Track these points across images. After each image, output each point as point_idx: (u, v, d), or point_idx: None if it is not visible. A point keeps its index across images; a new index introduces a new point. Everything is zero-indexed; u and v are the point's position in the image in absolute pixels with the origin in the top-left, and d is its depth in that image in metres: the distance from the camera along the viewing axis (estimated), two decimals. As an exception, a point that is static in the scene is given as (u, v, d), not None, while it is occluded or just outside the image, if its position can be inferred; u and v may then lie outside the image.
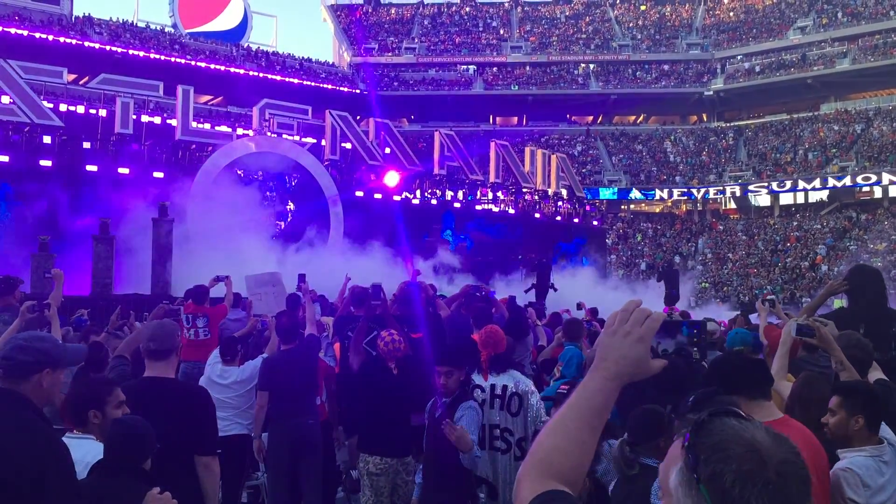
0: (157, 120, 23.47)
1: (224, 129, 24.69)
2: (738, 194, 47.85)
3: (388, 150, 25.78)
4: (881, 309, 5.14)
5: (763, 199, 48.30)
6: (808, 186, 45.05)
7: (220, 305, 9.30)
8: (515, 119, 56.06)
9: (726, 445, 1.22)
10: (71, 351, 3.12)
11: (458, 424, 4.39)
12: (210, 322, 8.78)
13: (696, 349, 7.16)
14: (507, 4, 61.19)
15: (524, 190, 29.00)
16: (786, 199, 47.58)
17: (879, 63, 46.36)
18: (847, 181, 43.16)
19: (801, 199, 47.29)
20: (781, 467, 1.20)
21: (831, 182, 43.82)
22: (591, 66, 55.00)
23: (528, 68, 54.79)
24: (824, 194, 45.78)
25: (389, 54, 55.27)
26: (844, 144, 44.98)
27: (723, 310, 25.60)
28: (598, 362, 1.60)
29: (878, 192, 44.27)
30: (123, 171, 19.16)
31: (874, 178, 42.50)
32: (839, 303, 9.44)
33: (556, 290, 19.01)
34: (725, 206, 50.13)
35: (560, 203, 30.39)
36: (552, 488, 1.47)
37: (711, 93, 52.23)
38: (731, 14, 57.60)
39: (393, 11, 60.82)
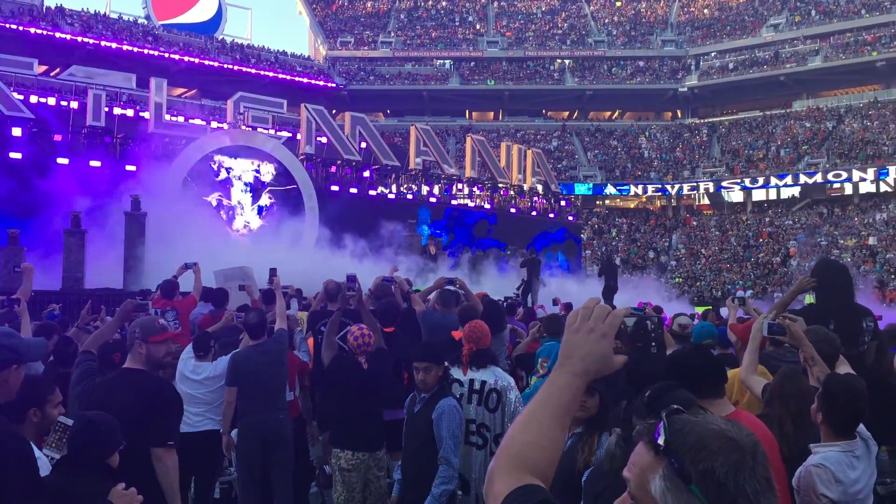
0: (130, 112, 23.21)
1: (198, 122, 24.46)
2: (711, 190, 48.27)
3: (363, 145, 25.70)
4: (849, 304, 5.19)
5: (736, 195, 48.77)
6: (781, 183, 45.54)
7: (189, 297, 9.22)
8: (491, 114, 56.12)
9: (706, 442, 1.27)
10: (33, 346, 3.09)
11: (440, 423, 4.42)
12: (179, 315, 8.70)
13: (653, 344, 7.17)
14: (483, -1, 61.23)
15: (500, 185, 29.04)
16: (758, 195, 48.06)
17: (850, 61, 46.97)
18: (818, 178, 43.69)
19: (773, 195, 47.79)
20: (754, 449, 1.28)
21: (803, 178, 44.34)
22: (567, 61, 55.18)
23: (504, 63, 54.85)
24: (796, 190, 46.33)
25: (365, 48, 55.06)
26: (816, 141, 45.52)
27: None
28: (562, 360, 1.64)
29: (848, 189, 44.86)
30: (95, 164, 18.93)
31: (844, 174, 43.05)
32: (809, 298, 9.55)
33: (544, 285, 19.11)
34: (699, 201, 50.55)
35: (535, 198, 30.47)
36: (528, 483, 1.49)
37: (686, 89, 52.62)
38: (706, 11, 58.02)
39: (369, 5, 60.54)
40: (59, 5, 41.48)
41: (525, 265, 19.86)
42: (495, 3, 60.67)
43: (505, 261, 23.99)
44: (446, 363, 4.80)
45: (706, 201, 50.27)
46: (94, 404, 3.81)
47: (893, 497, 5.46)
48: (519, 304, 12.09)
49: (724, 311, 8.94)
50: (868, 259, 37.03)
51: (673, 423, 1.31)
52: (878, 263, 36.18)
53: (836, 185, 45.18)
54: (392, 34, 56.40)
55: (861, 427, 3.44)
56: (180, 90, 42.81)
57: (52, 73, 32.11)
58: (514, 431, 1.59)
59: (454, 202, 27.24)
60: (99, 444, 3.02)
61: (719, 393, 3.12)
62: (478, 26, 58.31)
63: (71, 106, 22.07)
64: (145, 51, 41.62)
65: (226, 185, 21.25)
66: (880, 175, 42.45)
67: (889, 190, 43.89)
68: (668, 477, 1.29)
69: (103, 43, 39.97)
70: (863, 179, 43.37)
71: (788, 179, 44.83)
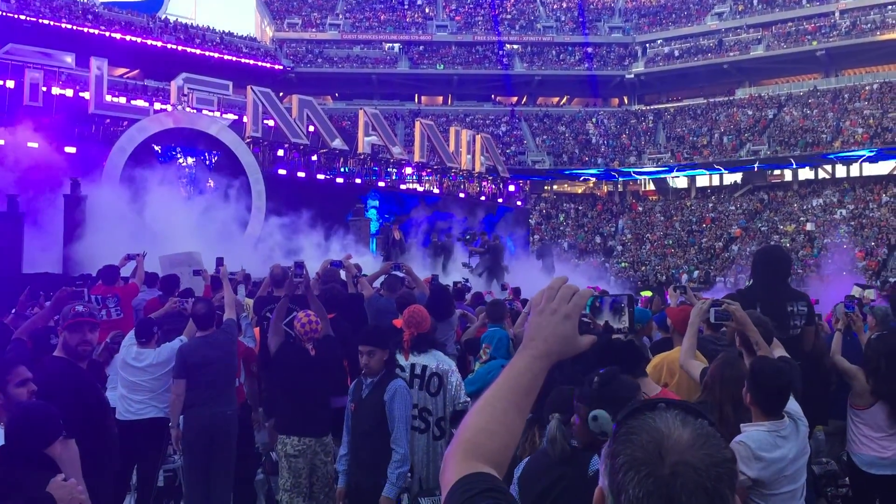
0: (69, 93, 22.52)
1: (141, 103, 23.89)
2: (656, 176, 49.04)
3: (311, 129, 25.44)
4: (780, 289, 5.32)
5: (681, 182, 49.62)
6: (723, 169, 46.48)
7: (131, 284, 9.05)
8: (441, 98, 56.01)
9: (636, 432, 1.21)
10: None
11: (392, 403, 4.42)
12: (121, 301, 8.53)
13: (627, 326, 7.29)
14: (432, -18, 60.86)
15: (449, 170, 29.03)
16: (702, 181, 49.00)
17: (791, 50, 48.04)
18: (759, 164, 44.67)
19: (716, 181, 48.77)
20: (678, 467, 1.15)
21: (745, 165, 45.31)
22: (516, 46, 55.30)
23: (453, 48, 54.73)
24: (738, 177, 47.34)
25: (313, 30, 54.36)
26: (758, 129, 46.52)
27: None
28: (526, 341, 1.60)
29: (788, 176, 45.99)
30: (33, 145, 18.34)
31: (785, 161, 44.13)
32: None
33: (508, 272, 18.81)
34: (645, 187, 51.30)
35: (484, 183, 30.56)
36: (478, 470, 1.45)
37: (632, 76, 53.22)
38: (652, -1, 58.66)
39: (317, -14, 59.73)
40: (-7, -19, 40.07)
41: (489, 250, 19.53)
42: (444, -13, 60.42)
43: (464, 246, 23.86)
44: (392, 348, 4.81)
45: (652, 187, 51.04)
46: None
47: (829, 476, 5.65)
48: (468, 289, 12.11)
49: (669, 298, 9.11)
50: (806, 244, 38.08)
51: (637, 413, 1.25)
52: (816, 249, 37.23)
53: (777, 172, 46.26)
54: (340, 16, 55.79)
55: (794, 407, 3.55)
56: (122, 70, 41.79)
57: (-14, 51, 31.02)
58: (469, 417, 1.56)
59: (403, 186, 27.16)
60: (35, 434, 2.96)
61: (643, 372, 3.31)
62: (427, 10, 58.01)
63: (7, 85, 21.32)
64: (85, 29, 40.45)
65: (170, 168, 20.82)
66: (819, 161, 43.63)
67: (827, 177, 45.14)
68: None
69: (41, 20, 38.74)
70: (801, 166, 44.50)
71: (731, 165, 45.75)
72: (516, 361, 1.59)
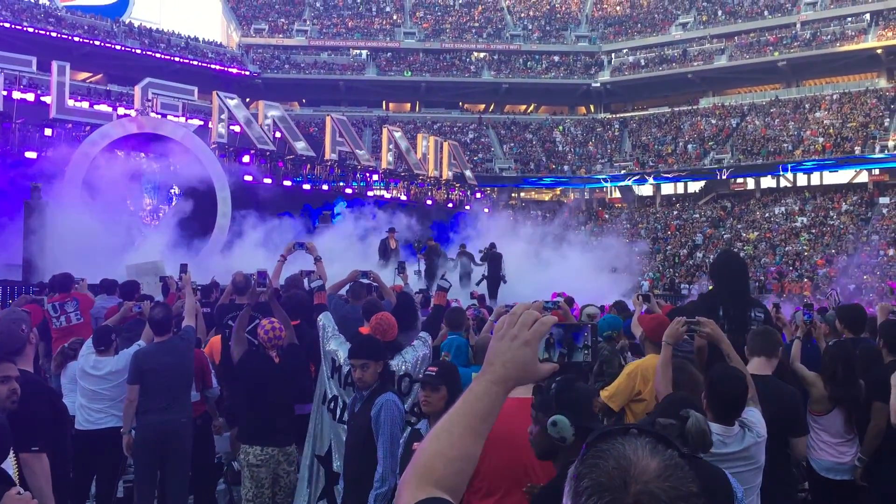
0: (31, 97, 22.14)
1: (104, 108, 23.54)
2: (622, 184, 49.49)
3: (278, 135, 25.31)
4: (740, 292, 5.41)
5: (646, 189, 50.13)
6: (688, 177, 47.05)
7: (84, 295, 8.92)
8: (408, 105, 56.03)
9: (603, 457, 1.20)
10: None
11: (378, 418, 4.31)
12: (81, 305, 8.39)
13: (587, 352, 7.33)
14: (400, -10, 60.93)
15: (417, 177, 29.04)
16: (667, 189, 49.54)
17: (754, 60, 48.82)
18: (723, 173, 45.28)
19: (680, 189, 49.34)
20: (641, 497, 1.14)
21: (708, 173, 45.91)
22: (484, 54, 55.54)
23: (421, 55, 54.80)
24: (702, 185, 47.95)
25: (280, 36, 54.11)
26: (721, 137, 47.18)
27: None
28: (484, 366, 1.59)
29: (750, 184, 46.68)
30: (-8, 150, 18.08)
31: (747, 170, 44.80)
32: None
33: (505, 281, 18.42)
34: (611, 195, 51.73)
35: (452, 190, 30.62)
36: (432, 496, 1.44)
37: (599, 84, 53.68)
38: (618, 8, 59.26)
39: (284, -8, 59.49)
40: (-48, -18, 39.36)
41: (486, 259, 19.05)
42: (412, -6, 60.54)
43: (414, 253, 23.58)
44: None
45: (617, 195, 51.49)
46: None
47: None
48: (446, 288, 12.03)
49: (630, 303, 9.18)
50: (769, 251, 38.66)
51: (608, 437, 1.24)
52: (778, 256, 37.81)
53: (740, 180, 46.96)
54: (308, 22, 55.60)
55: (752, 416, 3.63)
56: (85, 74, 41.23)
57: (-56, 54, 30.41)
58: (425, 441, 1.55)
59: (370, 193, 27.09)
60: None
61: None
62: (395, 17, 58.04)
63: (-35, 89, 20.95)
64: (47, 33, 39.86)
65: (133, 174, 20.55)
66: (781, 171, 44.36)
67: (788, 185, 45.90)
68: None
69: (2, 24, 38.11)
70: (763, 175, 45.21)
71: (695, 174, 46.33)
72: (474, 386, 1.58)
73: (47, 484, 3.83)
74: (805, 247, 38.18)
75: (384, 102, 54.61)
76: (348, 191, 26.15)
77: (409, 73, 53.39)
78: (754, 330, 4.76)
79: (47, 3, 44.20)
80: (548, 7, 60.13)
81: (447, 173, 30.47)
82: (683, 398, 3.28)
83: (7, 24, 38.30)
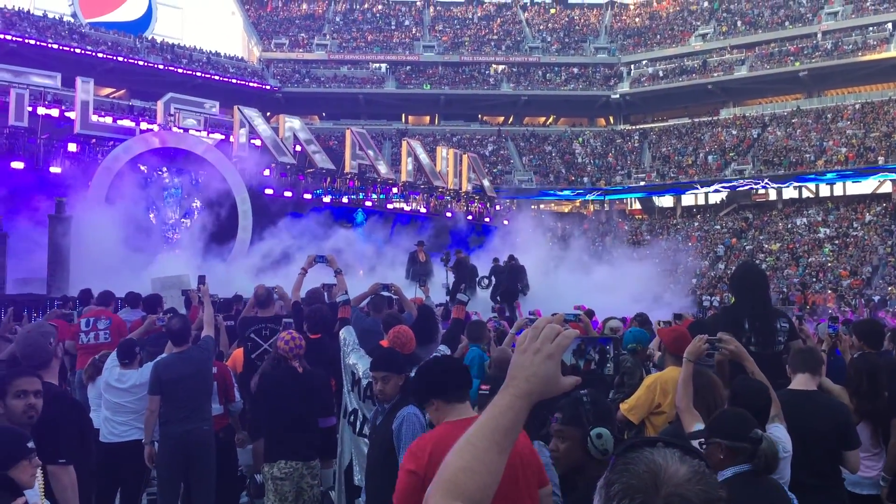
0: (55, 112, 22.44)
1: (127, 123, 23.80)
2: (642, 195, 49.31)
3: (298, 148, 25.46)
4: (764, 306, 5.37)
5: (666, 201, 49.90)
6: (709, 189, 46.80)
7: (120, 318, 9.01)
8: (428, 118, 56.22)
9: (633, 462, 1.24)
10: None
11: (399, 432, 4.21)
12: (113, 325, 8.45)
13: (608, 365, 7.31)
14: (419, 3, 61.24)
15: (436, 189, 29.09)
16: (687, 200, 49.30)
17: (775, 70, 48.57)
18: (744, 184, 45.00)
19: (701, 200, 49.09)
20: (672, 499, 1.19)
21: (729, 184, 45.63)
22: (503, 67, 55.66)
23: (440, 68, 55.02)
24: (723, 196, 47.67)
25: (300, 50, 54.56)
26: (742, 148, 46.91)
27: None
28: (508, 380, 1.60)
29: (772, 195, 46.36)
30: (17, 165, 18.29)
31: (769, 181, 44.49)
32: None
33: (524, 294, 18.31)
34: (631, 206, 51.55)
35: (471, 202, 30.63)
36: None
37: (618, 96, 53.60)
38: (637, 20, 59.24)
39: (304, 7, 60.02)
40: (-21, 1, 40.07)
41: (507, 270, 18.85)
42: (431, 8, 60.84)
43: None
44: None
45: (638, 206, 51.30)
46: None
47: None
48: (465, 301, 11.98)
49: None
50: (791, 263, 38.32)
51: (637, 447, 1.29)
52: (801, 267, 37.46)
53: (761, 191, 46.65)
54: (328, 36, 56.04)
55: (777, 432, 3.61)
56: (108, 90, 41.73)
57: (-29, 71, 30.92)
58: (450, 456, 1.55)
59: (390, 206, 27.16)
60: None
61: (461, 398, 3.26)
62: (414, 30, 58.37)
63: (-8, 105, 21.27)
64: (71, 49, 40.43)
65: (156, 188, 20.77)
66: (802, 181, 44.04)
67: (811, 196, 45.53)
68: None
69: (27, 41, 38.69)
70: (785, 185, 44.88)
71: (716, 185, 46.09)
72: (498, 401, 1.59)
73: (74, 495, 3.87)
74: (829, 258, 37.80)
75: (404, 115, 54.85)
76: (368, 203, 26.24)
77: (429, 86, 53.60)
78: (797, 348, 4.73)
79: (72, 21, 44.88)
80: (567, 19, 60.23)
81: (466, 185, 30.49)
82: (738, 415, 3.26)
83: (32, 41, 38.88)
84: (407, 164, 28.70)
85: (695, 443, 3.39)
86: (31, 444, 3.08)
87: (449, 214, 28.74)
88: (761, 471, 3.07)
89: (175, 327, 6.03)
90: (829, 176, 42.81)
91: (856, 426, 5.28)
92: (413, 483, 2.96)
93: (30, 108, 20.18)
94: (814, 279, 36.09)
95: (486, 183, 32.38)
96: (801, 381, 4.45)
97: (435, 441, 3.06)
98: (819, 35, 48.81)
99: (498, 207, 32.65)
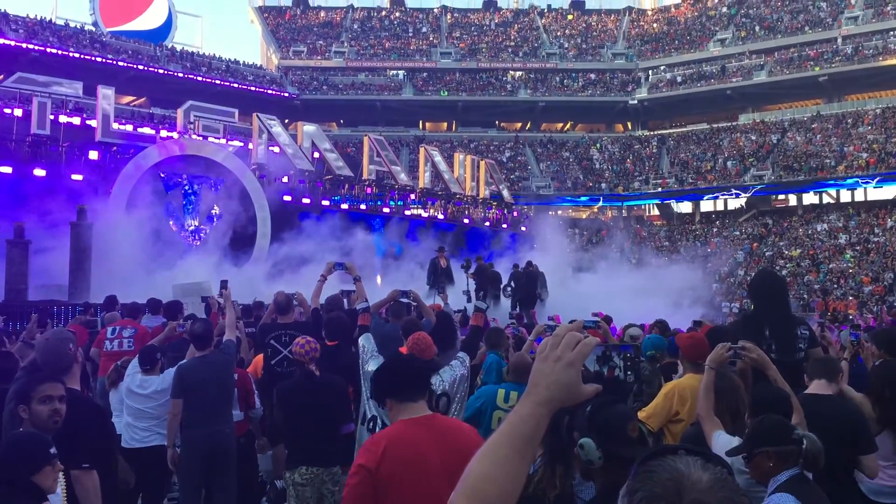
0: (77, 120, 22.72)
1: (147, 130, 24.08)
2: (660, 201, 49.10)
3: (316, 155, 25.59)
4: (784, 312, 5.33)
5: (685, 206, 49.65)
6: (728, 194, 46.52)
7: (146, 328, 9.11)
8: (445, 125, 56.31)
9: (655, 469, 1.26)
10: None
11: None
12: (138, 334, 8.52)
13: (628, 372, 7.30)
14: (436, 10, 61.46)
15: (454, 196, 29.13)
16: (706, 206, 49.03)
17: (794, 76, 48.24)
18: (763, 189, 44.71)
19: (720, 206, 48.81)
20: None
21: (749, 190, 45.34)
22: (520, 73, 55.67)
23: (457, 74, 55.12)
24: (742, 202, 47.37)
25: (318, 58, 54.88)
26: (761, 154, 46.61)
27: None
28: (529, 388, 1.61)
29: (792, 200, 46.00)
30: (40, 173, 18.50)
31: (788, 186, 44.17)
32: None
33: (542, 300, 18.34)
34: (649, 212, 51.33)
35: (489, 209, 30.65)
36: None
37: (636, 102, 53.43)
38: (655, 25, 59.10)
39: (322, 14, 60.40)
40: (3, 11, 40.50)
41: (525, 276, 18.88)
42: (448, 15, 61.01)
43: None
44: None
45: (656, 212, 51.08)
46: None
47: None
48: (468, 318, 12.02)
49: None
50: (812, 269, 38.00)
51: (657, 455, 1.31)
52: (822, 273, 37.14)
53: (781, 197, 46.29)
54: (345, 44, 56.31)
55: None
56: (129, 98, 42.16)
57: (-5, 80, 31.35)
58: (472, 463, 1.56)
59: (408, 213, 27.24)
60: (21, 462, 2.98)
61: (413, 398, 3.33)
62: (431, 37, 58.54)
63: (15, 114, 21.51)
64: (92, 58, 40.87)
65: (176, 195, 20.95)
66: (823, 187, 43.69)
67: (831, 202, 45.15)
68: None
69: (49, 50, 39.15)
70: (806, 191, 44.54)
71: (735, 190, 45.81)
72: (519, 408, 1.60)
73: (97, 500, 3.91)
74: (850, 264, 37.45)
75: (421, 122, 54.98)
76: (385, 210, 26.31)
77: (446, 92, 53.70)
78: (816, 356, 4.70)
79: (93, 30, 45.38)
80: (584, 25, 60.19)
81: (484, 192, 30.51)
82: (776, 421, 3.25)
83: (54, 50, 39.34)
84: (424, 171, 28.78)
85: (738, 457, 3.40)
86: (53, 450, 3.12)
87: (466, 221, 28.79)
88: (810, 469, 3.11)
89: (198, 331, 6.09)
90: (849, 181, 42.42)
91: (874, 433, 5.23)
92: (363, 477, 3.06)
93: (52, 117, 20.43)
94: (835, 286, 35.76)
95: (503, 189, 32.39)
96: (816, 387, 4.43)
97: (389, 438, 3.16)
98: (839, 40, 48.45)
99: (515, 214, 32.63)
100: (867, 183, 42.17)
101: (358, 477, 3.08)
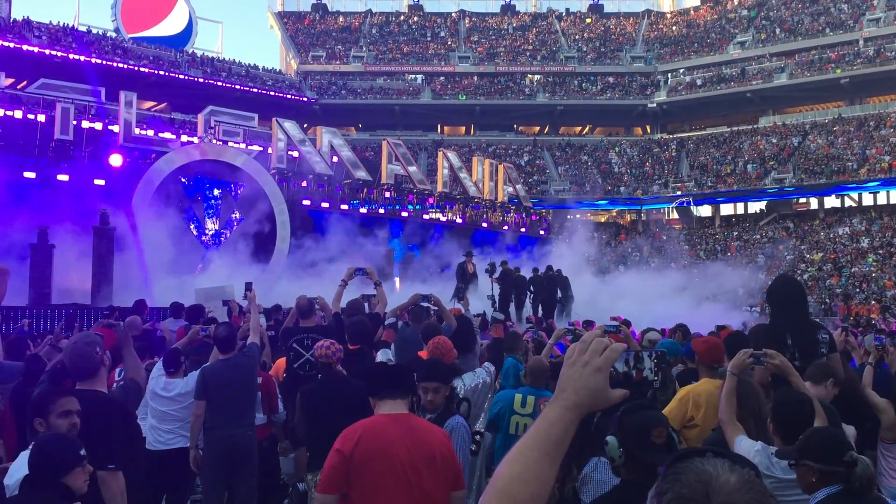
0: (99, 126, 22.90)
1: (168, 135, 24.23)
2: (679, 205, 48.83)
3: (335, 159, 25.68)
4: (804, 318, 5.29)
5: (704, 210, 49.36)
6: (748, 197, 46.20)
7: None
8: (463, 129, 56.34)
9: (684, 472, 1.28)
10: (7, 368, 3.11)
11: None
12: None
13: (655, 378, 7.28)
14: (454, 15, 61.54)
15: (472, 199, 29.13)
16: (726, 209, 48.71)
17: (815, 78, 47.86)
18: (784, 192, 44.36)
19: (740, 209, 48.47)
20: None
21: (769, 193, 45.01)
22: (538, 76, 55.61)
23: (475, 78, 55.16)
24: (763, 205, 47.01)
25: (337, 62, 55.11)
26: (782, 157, 46.25)
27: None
28: (557, 392, 1.64)
29: (813, 204, 45.61)
30: (63, 177, 18.70)
31: (810, 189, 43.81)
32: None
33: (564, 304, 18.35)
34: (668, 216, 51.07)
35: (507, 213, 30.61)
36: None
37: (655, 105, 53.21)
38: (674, 28, 58.85)
39: (340, 19, 60.66)
40: (26, 18, 40.99)
41: (545, 280, 18.87)
42: (466, 19, 61.08)
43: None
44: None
45: (675, 216, 50.81)
46: None
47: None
48: (488, 323, 12.05)
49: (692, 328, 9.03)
50: (834, 273, 37.64)
51: (686, 456, 1.33)
52: (844, 277, 36.78)
53: (802, 200, 45.91)
54: (364, 49, 56.51)
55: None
56: (150, 103, 42.50)
57: (18, 87, 31.68)
58: (502, 466, 1.59)
59: (426, 217, 27.26)
60: (52, 463, 3.03)
61: (392, 395, 3.66)
62: (449, 41, 58.61)
63: (38, 119, 21.74)
64: (114, 64, 41.24)
65: (196, 199, 21.11)
66: (845, 190, 43.30)
67: (853, 205, 44.72)
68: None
69: (72, 56, 39.53)
70: (827, 194, 44.15)
71: (755, 194, 45.51)
72: (548, 412, 1.62)
73: (123, 501, 3.95)
74: (872, 268, 37.06)
75: (439, 126, 55.03)
76: (404, 214, 26.35)
77: (464, 96, 53.75)
78: (815, 363, 4.69)
79: (115, 36, 45.81)
80: (602, 28, 60.03)
81: (502, 196, 30.49)
82: (831, 437, 3.21)
83: (77, 56, 39.73)
84: (443, 175, 28.80)
85: (783, 462, 3.42)
86: (83, 452, 3.16)
87: (484, 224, 28.76)
88: (857, 493, 3.00)
89: (222, 334, 6.14)
90: (871, 185, 42.02)
91: (885, 441, 5.19)
92: (338, 461, 3.39)
93: (74, 122, 20.61)
94: (857, 290, 35.40)
95: (521, 193, 32.35)
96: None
97: (365, 427, 3.50)
98: (861, 42, 48.00)
99: (534, 217, 32.57)
100: (890, 186, 41.74)
101: (334, 460, 3.40)
